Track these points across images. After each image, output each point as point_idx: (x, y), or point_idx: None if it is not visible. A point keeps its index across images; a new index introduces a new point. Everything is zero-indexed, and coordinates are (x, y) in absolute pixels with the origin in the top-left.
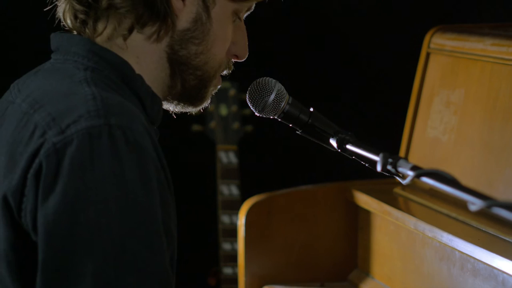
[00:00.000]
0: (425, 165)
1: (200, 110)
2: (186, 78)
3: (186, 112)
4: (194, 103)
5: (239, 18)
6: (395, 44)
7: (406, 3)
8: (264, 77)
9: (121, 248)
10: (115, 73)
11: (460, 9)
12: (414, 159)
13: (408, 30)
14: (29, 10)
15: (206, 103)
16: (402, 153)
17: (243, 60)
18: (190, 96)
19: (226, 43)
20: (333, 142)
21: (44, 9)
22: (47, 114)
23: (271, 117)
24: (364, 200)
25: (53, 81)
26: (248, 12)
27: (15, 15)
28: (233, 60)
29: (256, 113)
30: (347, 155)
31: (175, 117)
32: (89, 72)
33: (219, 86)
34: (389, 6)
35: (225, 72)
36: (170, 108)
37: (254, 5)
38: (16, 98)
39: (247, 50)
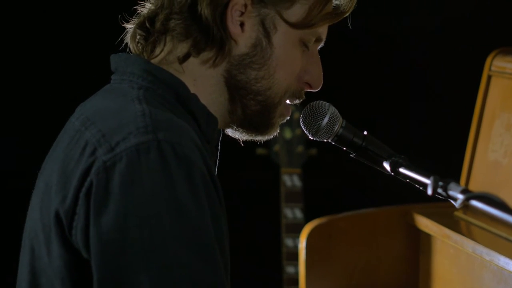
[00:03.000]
0: (486, 188)
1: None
2: (247, 104)
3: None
4: (260, 131)
5: (307, 47)
6: (456, 67)
7: (468, 26)
8: (318, 101)
9: (176, 262)
10: (170, 92)
11: None
12: (475, 182)
13: (470, 53)
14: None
15: (274, 132)
16: (463, 176)
17: (317, 90)
18: (253, 122)
19: (292, 69)
20: (386, 166)
21: (119, 38)
22: (97, 131)
23: (325, 140)
24: (424, 223)
25: (107, 100)
26: (321, 44)
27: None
28: (305, 89)
29: (310, 137)
30: (401, 179)
31: (242, 144)
32: (142, 91)
33: (287, 117)
34: (450, 29)
35: (296, 101)
36: (237, 136)
37: (324, 37)
38: (73, 117)
39: (321, 79)
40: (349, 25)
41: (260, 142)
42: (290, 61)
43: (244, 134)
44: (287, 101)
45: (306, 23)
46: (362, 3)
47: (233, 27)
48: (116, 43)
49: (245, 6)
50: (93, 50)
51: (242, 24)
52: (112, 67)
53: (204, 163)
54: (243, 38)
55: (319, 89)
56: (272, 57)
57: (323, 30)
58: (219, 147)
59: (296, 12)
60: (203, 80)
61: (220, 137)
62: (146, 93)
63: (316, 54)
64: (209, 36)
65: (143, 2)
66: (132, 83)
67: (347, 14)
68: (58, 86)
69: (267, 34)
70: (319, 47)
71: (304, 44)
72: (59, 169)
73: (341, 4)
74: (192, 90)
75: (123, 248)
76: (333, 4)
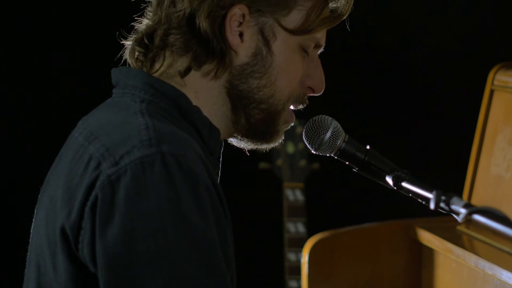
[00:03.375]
0: (489, 202)
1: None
2: (250, 113)
3: (254, 150)
4: (265, 139)
5: (307, 53)
6: (459, 82)
7: (470, 40)
8: (321, 115)
9: (182, 274)
10: (172, 105)
11: None
12: (478, 196)
13: (472, 67)
14: None
15: (279, 139)
16: (466, 190)
17: (319, 94)
18: (258, 131)
19: (293, 75)
20: (389, 180)
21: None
22: (101, 145)
23: (328, 154)
24: (427, 237)
25: (110, 114)
26: (320, 50)
27: None
28: (308, 94)
29: (312, 151)
30: (404, 193)
31: (248, 154)
32: (144, 104)
33: (292, 124)
34: (452, 43)
35: (300, 107)
36: (242, 146)
37: (323, 42)
38: (75, 132)
39: (323, 83)
40: (348, 27)
41: (264, 153)
42: (291, 68)
43: (249, 143)
44: (291, 107)
45: (304, 29)
46: (365, 16)
47: (232, 38)
48: (115, 59)
49: (243, 16)
50: (92, 64)
51: (241, 34)
52: (113, 81)
53: (208, 175)
54: (243, 48)
55: (321, 93)
56: (273, 65)
57: (321, 36)
58: (221, 159)
59: (294, 19)
60: (205, 92)
61: (222, 149)
62: (148, 106)
63: (316, 59)
64: (209, 48)
65: (140, 18)
66: (134, 96)
67: (344, 17)
68: (59, 101)
69: (267, 43)
70: (319, 52)
71: (304, 50)
72: (63, 184)
73: (338, 7)
74: (194, 102)
75: (129, 261)
76: (330, 8)
